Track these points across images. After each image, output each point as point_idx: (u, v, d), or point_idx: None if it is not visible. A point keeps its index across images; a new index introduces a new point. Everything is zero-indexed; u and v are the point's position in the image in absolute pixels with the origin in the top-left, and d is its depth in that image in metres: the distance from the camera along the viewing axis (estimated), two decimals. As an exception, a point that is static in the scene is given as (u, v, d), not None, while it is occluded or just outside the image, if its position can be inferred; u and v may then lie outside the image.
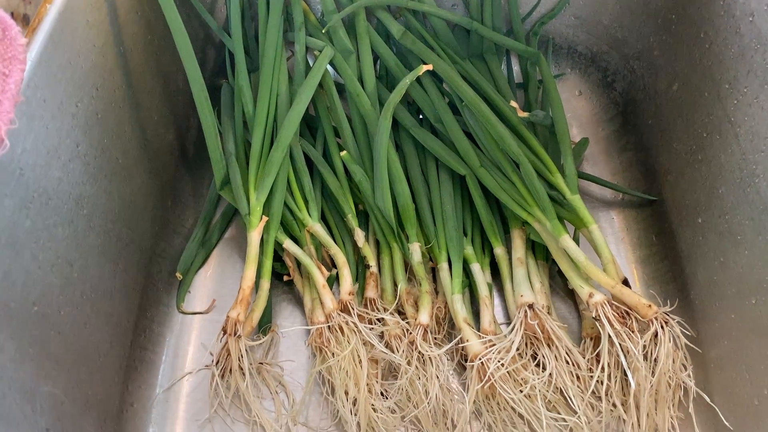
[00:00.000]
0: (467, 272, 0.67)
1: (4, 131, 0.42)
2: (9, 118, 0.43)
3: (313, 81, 0.70)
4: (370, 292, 0.66)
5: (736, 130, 0.58)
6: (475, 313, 0.66)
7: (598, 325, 0.59)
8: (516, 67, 0.86)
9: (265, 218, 0.66)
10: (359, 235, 0.68)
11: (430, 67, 0.70)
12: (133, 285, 0.64)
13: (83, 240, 0.53)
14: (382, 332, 0.63)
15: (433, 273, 0.69)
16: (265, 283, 0.65)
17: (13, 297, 0.44)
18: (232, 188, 0.69)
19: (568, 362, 0.60)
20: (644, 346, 0.57)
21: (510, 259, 0.68)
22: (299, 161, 0.71)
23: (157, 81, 0.69)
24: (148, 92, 0.67)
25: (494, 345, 0.60)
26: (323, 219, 0.72)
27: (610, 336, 0.58)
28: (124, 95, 0.62)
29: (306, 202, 0.70)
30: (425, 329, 0.62)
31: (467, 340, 0.61)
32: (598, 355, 0.60)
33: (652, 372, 0.57)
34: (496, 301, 0.69)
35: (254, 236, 0.65)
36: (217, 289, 0.71)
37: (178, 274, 0.70)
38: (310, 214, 0.69)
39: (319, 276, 0.64)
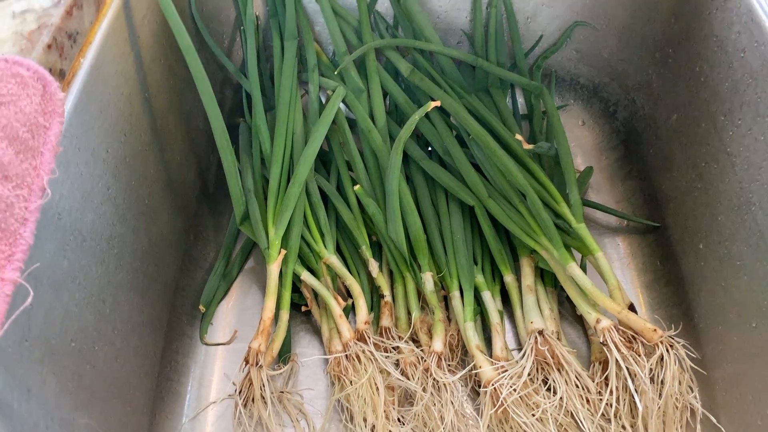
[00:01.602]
0: (478, 300, 0.70)
1: (45, 180, 0.46)
2: (50, 168, 0.47)
3: (326, 120, 0.73)
4: (385, 321, 0.68)
5: (732, 159, 0.61)
6: (487, 340, 0.69)
7: (605, 349, 0.62)
8: (521, 99, 0.89)
9: (283, 251, 0.69)
10: (373, 266, 0.71)
11: (438, 103, 0.73)
12: (159, 319, 0.67)
13: (114, 277, 0.57)
14: (398, 360, 0.65)
15: (446, 301, 0.72)
16: (285, 314, 0.68)
17: (53, 334, 0.47)
18: (252, 223, 0.72)
19: (578, 386, 0.63)
20: (651, 369, 0.60)
21: (520, 286, 0.71)
22: (315, 195, 0.74)
23: (179, 123, 0.73)
24: (171, 134, 0.71)
25: (506, 371, 0.63)
26: (338, 250, 0.75)
27: (617, 360, 0.60)
28: (149, 139, 0.65)
29: (322, 235, 0.73)
30: (439, 356, 0.64)
31: (480, 367, 0.63)
32: (607, 378, 0.62)
33: (660, 394, 0.59)
34: (507, 326, 0.72)
35: (273, 269, 0.68)
36: (239, 320, 0.74)
37: (201, 307, 0.73)
38: (326, 247, 0.72)
39: (336, 306, 0.67)
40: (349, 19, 0.83)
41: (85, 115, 0.53)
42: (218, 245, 0.79)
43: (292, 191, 0.71)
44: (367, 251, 0.72)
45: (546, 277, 0.72)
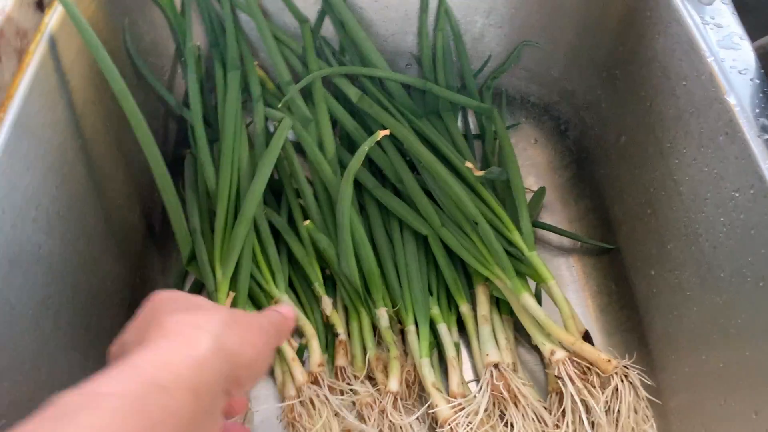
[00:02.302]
0: (435, 333, 0.69)
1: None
2: (-33, 243, 0.44)
3: (272, 154, 0.71)
4: (340, 360, 0.67)
5: (679, 188, 0.60)
6: (445, 371, 0.68)
7: (560, 383, 0.61)
8: (473, 119, 0.88)
9: (231, 294, 0.67)
10: (327, 304, 0.70)
11: (387, 132, 0.72)
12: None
13: (51, 340, 0.54)
14: (354, 401, 0.64)
15: (402, 334, 0.71)
16: (236, 359, 0.66)
17: (-20, 415, 0.44)
18: (198, 264, 0.70)
19: (534, 420, 0.62)
20: (606, 402, 0.59)
21: (476, 316, 0.70)
22: (264, 231, 0.72)
23: (119, 165, 0.70)
24: (112, 177, 0.68)
25: (463, 408, 0.62)
26: (291, 286, 0.73)
27: (572, 394, 0.60)
28: (86, 186, 0.63)
29: (272, 273, 0.71)
30: (395, 396, 0.63)
31: (437, 405, 0.63)
32: (564, 410, 0.62)
33: (616, 424, 0.59)
34: (465, 356, 0.71)
35: (223, 313, 0.66)
36: (190, 365, 0.71)
37: (150, 353, 0.70)
38: (276, 286, 0.70)
39: (289, 349, 0.66)
40: (293, 47, 0.81)
41: (10, 175, 0.51)
42: (166, 285, 0.77)
43: (239, 231, 0.69)
44: (320, 288, 0.71)
45: (502, 304, 0.71)
